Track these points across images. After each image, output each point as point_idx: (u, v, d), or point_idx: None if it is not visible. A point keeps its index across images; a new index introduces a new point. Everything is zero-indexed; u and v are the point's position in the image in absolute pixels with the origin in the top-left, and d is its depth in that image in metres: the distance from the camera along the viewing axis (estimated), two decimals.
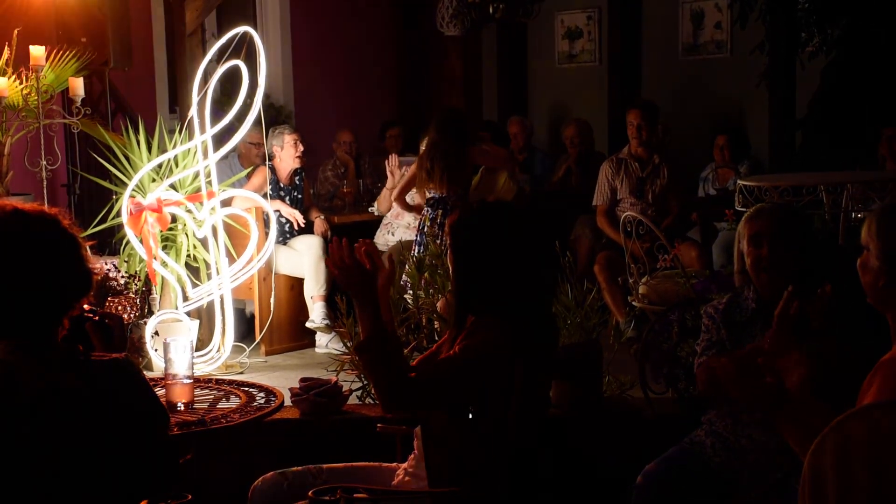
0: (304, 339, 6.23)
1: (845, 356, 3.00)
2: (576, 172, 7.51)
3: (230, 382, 3.66)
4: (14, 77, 5.77)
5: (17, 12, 6.22)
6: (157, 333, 5.18)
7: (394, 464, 3.17)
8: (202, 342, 5.55)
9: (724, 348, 3.27)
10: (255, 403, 3.36)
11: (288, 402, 3.92)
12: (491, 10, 7.78)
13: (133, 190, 5.49)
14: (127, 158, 5.79)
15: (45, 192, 5.80)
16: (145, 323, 5.32)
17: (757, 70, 7.30)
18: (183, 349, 3.23)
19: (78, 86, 5.82)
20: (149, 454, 2.29)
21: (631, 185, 6.27)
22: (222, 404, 3.35)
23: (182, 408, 3.21)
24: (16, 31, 5.78)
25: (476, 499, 2.82)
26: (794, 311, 3.02)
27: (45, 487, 2.12)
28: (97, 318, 2.70)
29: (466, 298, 2.94)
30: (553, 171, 7.84)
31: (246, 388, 3.53)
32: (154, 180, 5.67)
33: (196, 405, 3.29)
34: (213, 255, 5.52)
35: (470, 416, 2.85)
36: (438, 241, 5.37)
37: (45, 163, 5.81)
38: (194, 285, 5.61)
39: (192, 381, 3.27)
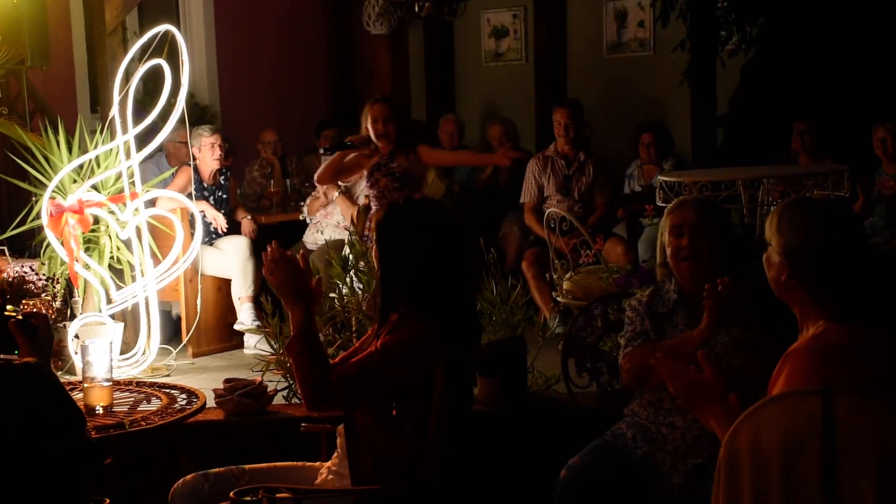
0: (233, 340, 6.18)
1: (768, 344, 3.07)
2: (503, 171, 7.54)
3: (151, 385, 3.62)
4: None
5: None
6: (77, 336, 5.09)
7: (317, 463, 3.16)
8: (127, 345, 5.48)
9: (648, 339, 3.32)
10: (177, 405, 3.32)
11: (212, 403, 3.88)
12: (417, 9, 7.78)
13: (53, 191, 5.40)
14: (46, 160, 5.69)
15: None
16: (65, 326, 5.23)
17: (679, 68, 7.41)
18: (101, 351, 3.18)
19: None
20: (65, 458, 2.26)
21: (557, 183, 6.33)
22: (143, 407, 3.31)
23: (101, 411, 3.16)
24: None
25: (398, 496, 2.83)
26: (723, 291, 3.08)
27: None
28: (21, 317, 2.65)
29: (390, 295, 2.96)
30: (482, 169, 7.87)
31: (167, 391, 3.49)
32: (75, 181, 5.58)
33: (116, 408, 3.24)
34: (137, 256, 5.45)
35: (393, 413, 2.86)
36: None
37: None
38: (118, 287, 5.53)
39: (111, 383, 3.23)
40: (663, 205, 4.68)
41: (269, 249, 2.91)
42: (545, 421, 4.20)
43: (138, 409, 3.28)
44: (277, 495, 2.73)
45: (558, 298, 5.64)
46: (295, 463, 3.18)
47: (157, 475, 3.29)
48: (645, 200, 6.31)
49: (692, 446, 3.22)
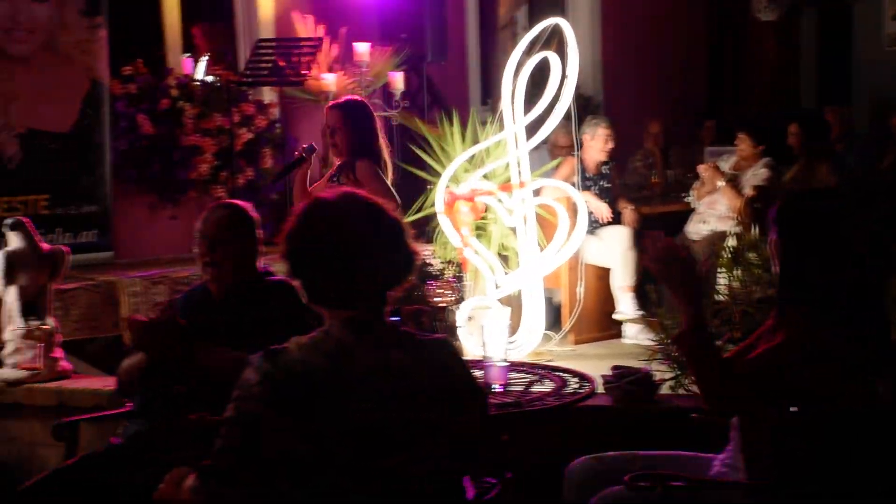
0: (612, 329, 6.20)
1: None
2: None
3: (543, 367, 3.70)
4: (341, 73, 6.14)
5: (343, 12, 6.60)
6: (470, 318, 5.33)
7: (710, 454, 3.09)
8: (511, 329, 5.65)
9: None
10: (569, 388, 3.38)
11: (600, 389, 3.91)
12: None
13: (447, 180, 5.68)
14: (442, 149, 6.01)
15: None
16: (457, 309, 5.49)
17: None
18: (499, 332, 3.30)
19: (398, 80, 6.10)
20: (471, 431, 2.35)
21: None
22: (536, 388, 3.40)
23: (498, 389, 3.28)
24: (342, 30, 6.14)
25: (797, 494, 2.71)
26: None
27: (376, 460, 2.21)
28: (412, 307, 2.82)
29: (788, 290, 2.84)
30: (877, 158, 7.38)
31: (559, 374, 3.56)
32: (467, 170, 5.84)
33: (511, 388, 3.35)
34: (522, 243, 5.61)
35: (792, 410, 2.74)
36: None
37: None
38: (505, 273, 5.73)
39: (507, 364, 3.34)
40: None
41: (650, 238, 2.84)
42: None
43: (532, 389, 3.37)
44: (672, 483, 2.70)
45: None
46: (686, 452, 3.13)
47: (549, 455, 3.36)
48: None
49: None
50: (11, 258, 4.24)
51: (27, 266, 4.28)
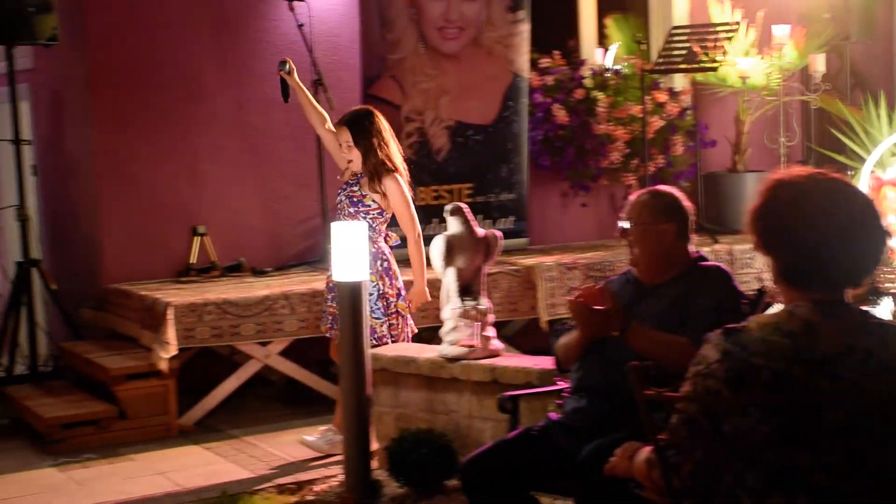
0: None
1: None
2: None
3: None
4: (759, 57, 6.02)
5: None
6: None
7: None
8: None
9: None
10: None
11: None
12: None
13: (873, 164, 5.43)
14: (866, 132, 5.74)
15: (782, 168, 5.96)
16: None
17: None
18: None
19: (818, 62, 5.90)
20: None
21: None
22: None
23: None
24: (760, 14, 6.01)
25: None
26: None
27: (836, 446, 2.17)
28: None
29: None
30: None
31: None
32: (894, 154, 5.56)
33: None
34: None
35: None
36: None
37: (783, 139, 5.97)
38: None
39: None
40: None
41: None
42: None
43: None
44: None
45: None
46: None
47: None
48: None
49: None
50: (451, 241, 4.52)
51: (464, 249, 4.55)
